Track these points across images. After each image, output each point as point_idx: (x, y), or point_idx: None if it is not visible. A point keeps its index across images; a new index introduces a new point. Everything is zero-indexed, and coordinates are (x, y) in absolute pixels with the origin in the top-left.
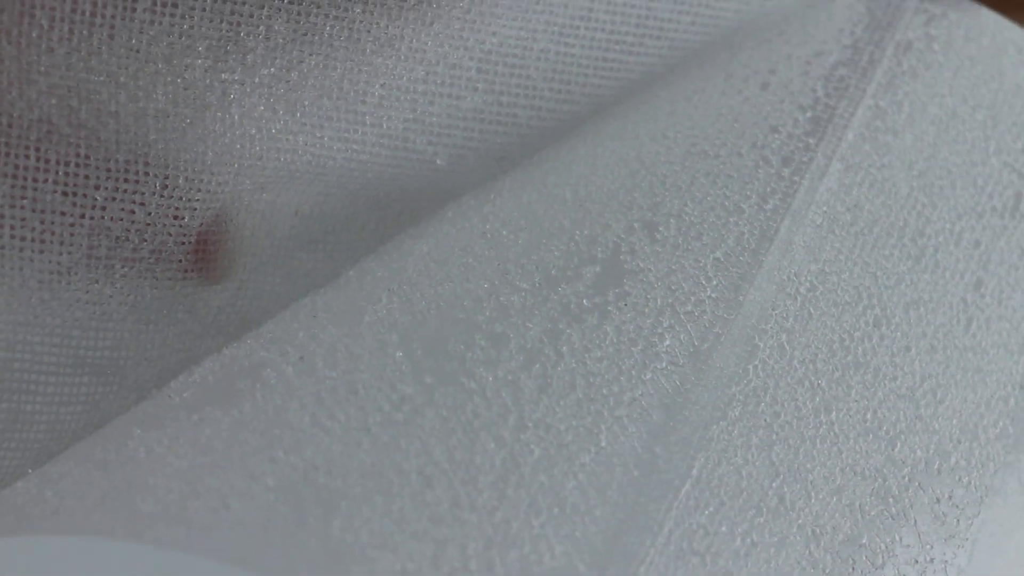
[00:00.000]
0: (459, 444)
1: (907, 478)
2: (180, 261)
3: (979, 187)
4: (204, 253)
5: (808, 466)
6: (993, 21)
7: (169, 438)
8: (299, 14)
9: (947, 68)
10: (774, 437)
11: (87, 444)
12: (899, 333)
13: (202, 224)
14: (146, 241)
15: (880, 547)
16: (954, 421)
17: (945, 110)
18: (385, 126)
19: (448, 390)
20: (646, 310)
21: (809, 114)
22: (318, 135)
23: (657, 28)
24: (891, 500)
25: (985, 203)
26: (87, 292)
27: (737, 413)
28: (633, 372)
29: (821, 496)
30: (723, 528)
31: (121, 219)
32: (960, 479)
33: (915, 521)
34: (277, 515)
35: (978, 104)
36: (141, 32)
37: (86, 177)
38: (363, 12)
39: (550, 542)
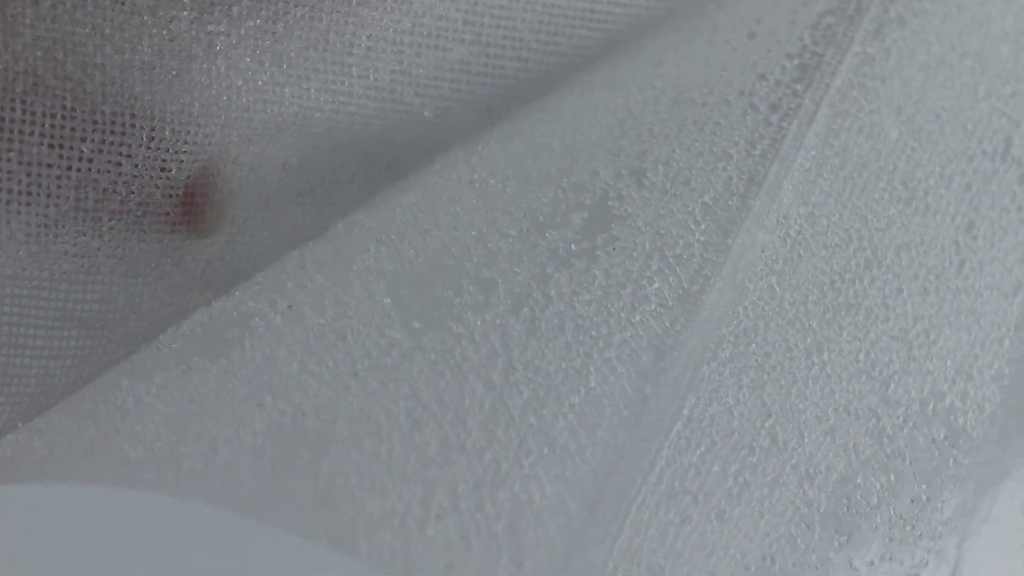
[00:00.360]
0: (448, 387)
1: (901, 418)
2: (168, 214)
3: (969, 131)
4: (192, 206)
5: (800, 406)
6: None
7: (158, 387)
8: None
9: (934, 15)
10: (765, 378)
11: (76, 396)
12: (890, 275)
13: (189, 176)
14: (133, 193)
15: (875, 487)
16: (948, 362)
17: (933, 56)
18: (372, 78)
19: (436, 335)
20: (634, 254)
21: (796, 61)
22: (304, 87)
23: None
24: (885, 440)
25: (975, 147)
26: (75, 245)
27: (728, 354)
28: (622, 315)
29: (814, 436)
30: (715, 468)
31: (108, 171)
32: (956, 419)
33: (910, 461)
34: (265, 459)
35: (966, 51)
36: None
37: (72, 129)
38: None
39: (540, 482)
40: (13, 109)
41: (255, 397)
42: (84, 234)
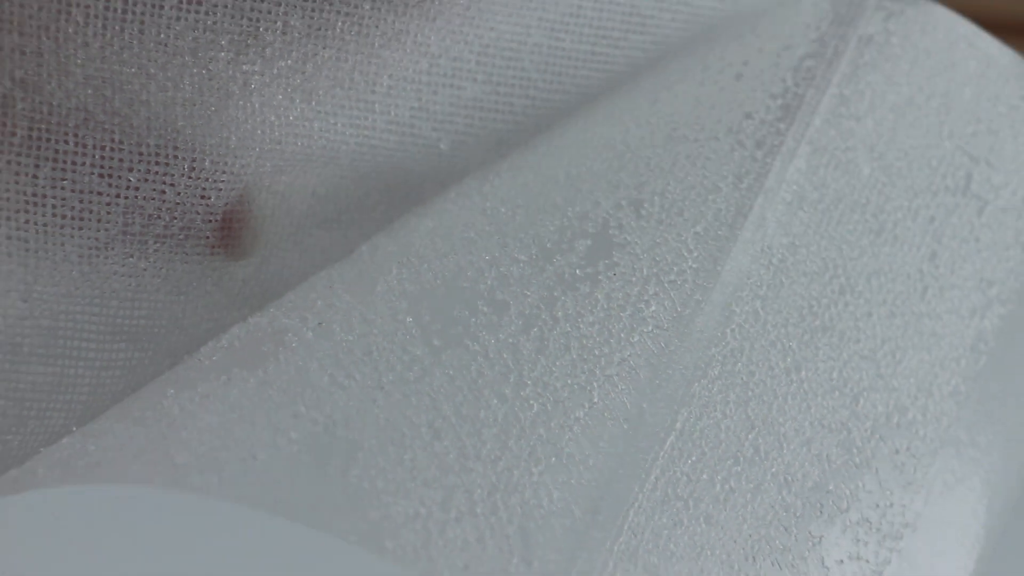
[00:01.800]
0: (465, 400)
1: (869, 431)
2: (207, 237)
3: (933, 168)
4: (229, 230)
5: (780, 420)
6: (946, 17)
7: (200, 396)
8: (313, 11)
9: (904, 60)
10: (749, 394)
11: (126, 404)
12: (862, 300)
13: (227, 204)
14: (176, 219)
15: (845, 493)
16: (911, 380)
17: (903, 98)
18: (393, 114)
19: (454, 352)
20: (633, 279)
21: (780, 102)
22: (332, 122)
23: (640, 24)
24: (855, 451)
25: (939, 182)
26: (123, 266)
27: (716, 372)
28: (622, 335)
29: (792, 447)
30: (704, 476)
31: (153, 199)
32: (917, 432)
33: (876, 470)
34: (300, 465)
35: (932, 92)
36: (168, 27)
37: (120, 160)
38: (372, 9)
39: (548, 488)
40: (66, 142)
41: (290, 407)
42: (131, 256)
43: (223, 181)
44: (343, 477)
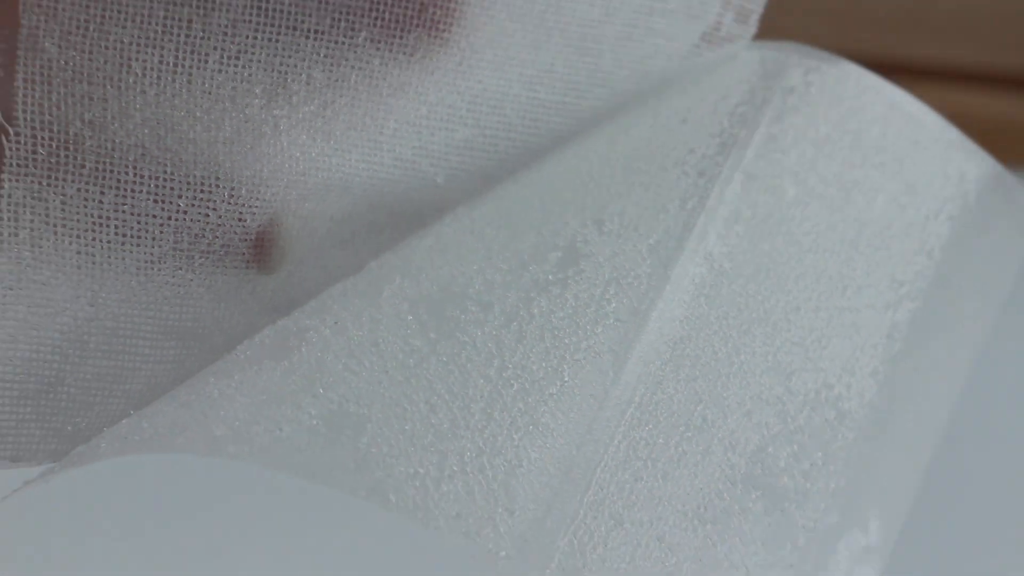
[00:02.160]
0: (456, 381)
1: (801, 403)
2: (243, 254)
3: (848, 190)
4: (261, 248)
5: (724, 394)
6: (855, 71)
7: (236, 383)
8: (332, 65)
9: (821, 104)
10: (696, 373)
11: (174, 391)
12: (791, 297)
13: (260, 226)
14: (217, 238)
15: (782, 454)
16: (836, 362)
17: (821, 135)
18: (398, 152)
19: (447, 343)
20: (596, 282)
21: (718, 140)
22: (347, 158)
23: (602, 79)
24: (789, 419)
25: (853, 202)
26: (173, 277)
27: (667, 356)
28: (588, 327)
29: (735, 417)
30: (660, 440)
31: (198, 220)
32: (842, 405)
33: (808, 435)
34: (318, 435)
35: (845, 130)
36: (211, 79)
37: (171, 189)
38: (380, 64)
39: (527, 451)
40: (126, 173)
41: (310, 389)
42: (180, 269)
43: (256, 207)
44: (354, 445)
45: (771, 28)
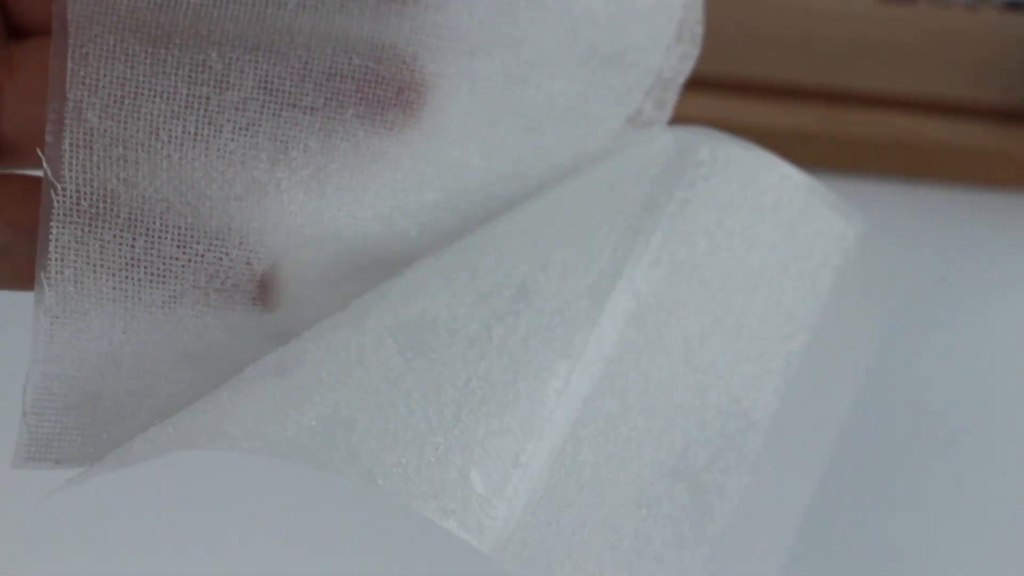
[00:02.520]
0: (430, 391)
1: (716, 414)
2: (250, 293)
3: (751, 242)
4: (265, 288)
5: (652, 405)
6: (755, 149)
7: (246, 395)
8: (325, 137)
9: (725, 175)
10: (628, 386)
11: (193, 404)
12: (704, 328)
13: (264, 269)
14: (229, 279)
15: (701, 454)
16: (744, 381)
17: (726, 199)
18: (378, 209)
19: (422, 361)
20: (543, 313)
21: (641, 202)
22: (336, 214)
23: (546, 154)
24: (706, 427)
25: (755, 252)
26: (192, 310)
27: (604, 372)
28: (537, 348)
29: (661, 423)
30: (601, 439)
31: (213, 263)
32: (750, 416)
33: (723, 440)
34: (317, 434)
35: (746, 195)
36: (225, 146)
37: (192, 236)
38: (365, 136)
39: (491, 446)
40: (154, 222)
41: (309, 399)
42: (198, 303)
43: (262, 253)
44: (347, 441)
45: (726, 59)
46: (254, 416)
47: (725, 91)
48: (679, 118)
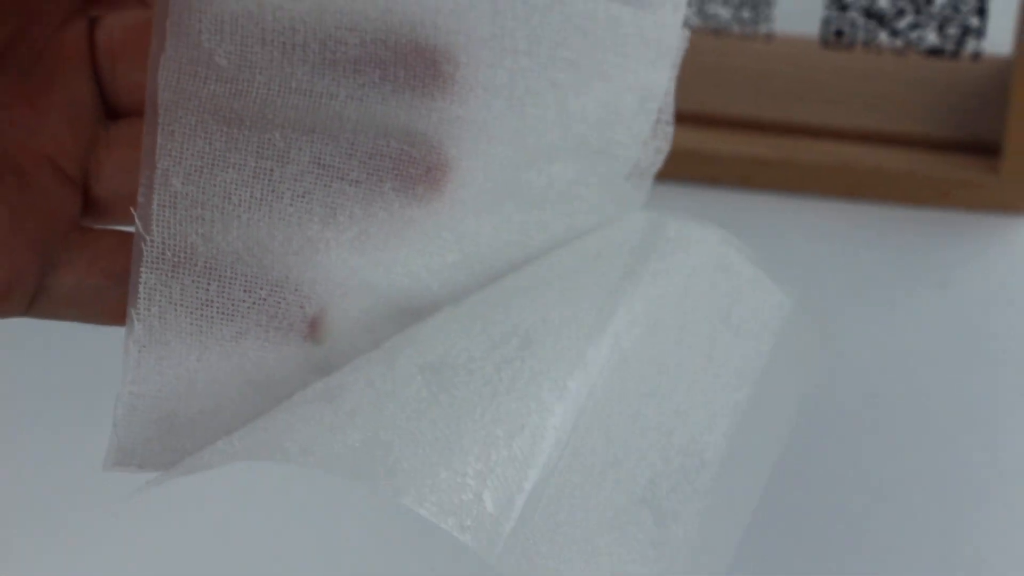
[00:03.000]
0: (452, 421)
1: (677, 452)
2: (302, 331)
3: (709, 306)
4: (314, 328)
5: (628, 440)
6: (712, 227)
7: (299, 417)
8: (366, 204)
9: (689, 249)
10: (610, 424)
11: (253, 423)
12: (670, 378)
13: (314, 312)
14: (285, 319)
15: (664, 486)
16: (700, 425)
17: (689, 269)
18: (408, 267)
19: (445, 396)
20: (543, 359)
21: (621, 270)
22: (374, 271)
23: (545, 226)
24: (669, 462)
25: (712, 316)
26: (254, 344)
27: (591, 410)
28: (540, 388)
29: (634, 458)
30: (587, 466)
31: (273, 306)
32: (704, 455)
33: (682, 475)
34: (360, 452)
35: (707, 266)
36: (284, 210)
37: (256, 283)
38: (399, 205)
39: (501, 468)
40: (225, 271)
41: (352, 423)
42: (259, 339)
43: (312, 299)
44: (384, 460)
45: (696, 97)
46: (307, 436)
47: (696, 124)
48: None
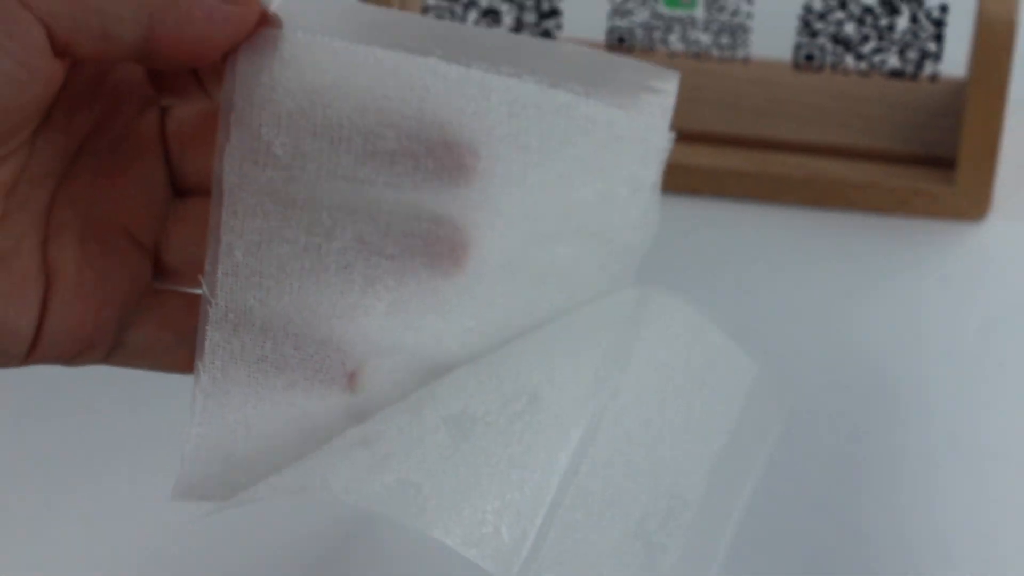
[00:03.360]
0: (472, 467)
1: (663, 494)
2: (342, 384)
3: (689, 373)
4: (353, 380)
5: (623, 484)
6: (685, 308)
7: (340, 458)
8: (400, 277)
9: (671, 320)
10: (610, 472)
11: (298, 463)
12: (657, 431)
13: (352, 366)
14: (328, 372)
15: (653, 524)
16: (684, 470)
17: (672, 337)
18: (432, 330)
19: (466, 445)
20: (551, 415)
21: (615, 340)
22: (404, 333)
23: (549, 301)
24: (656, 502)
25: (692, 379)
26: (302, 393)
27: (591, 460)
28: (547, 440)
29: (627, 499)
30: (589, 506)
31: (318, 361)
32: (684, 497)
33: (667, 513)
34: (395, 492)
35: (684, 336)
36: (331, 281)
37: (304, 342)
38: (427, 277)
39: (516, 508)
40: (280, 330)
41: (387, 466)
42: (305, 389)
43: (352, 356)
44: (415, 499)
45: (679, 115)
46: (349, 475)
47: (679, 139)
48: None
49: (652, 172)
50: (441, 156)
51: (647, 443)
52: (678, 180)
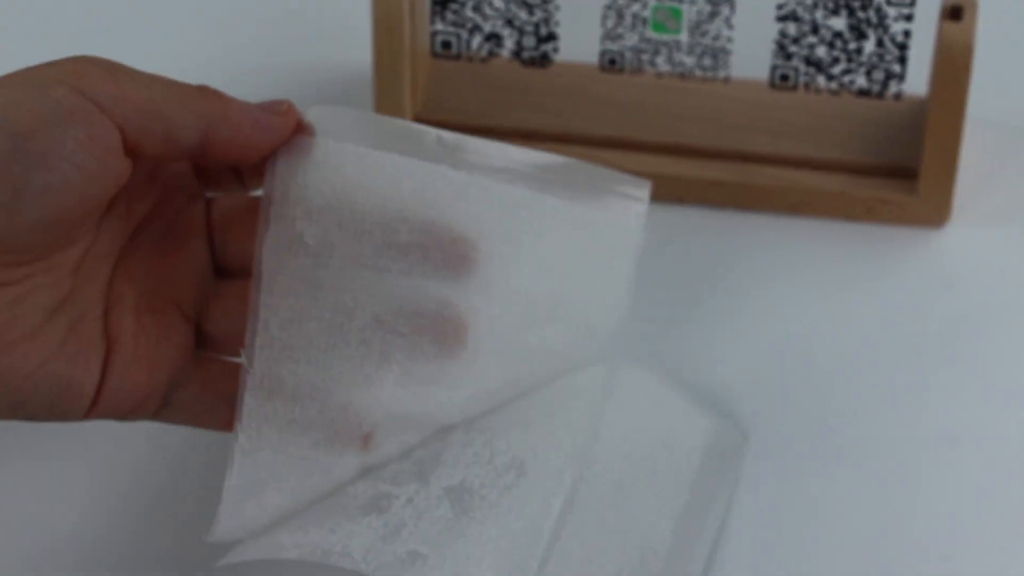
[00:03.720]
0: (470, 538)
1: (635, 546)
2: (357, 443)
3: (653, 436)
4: (366, 441)
5: (597, 541)
6: (655, 371)
7: (360, 524)
8: (410, 356)
9: (636, 390)
10: (586, 531)
11: (307, 524)
12: (628, 494)
13: (366, 430)
14: (347, 434)
15: (627, 571)
16: (650, 525)
17: (638, 409)
18: (436, 399)
19: (464, 518)
20: (535, 485)
21: (587, 411)
22: (413, 400)
23: (528, 375)
24: (628, 553)
25: (655, 441)
26: (324, 451)
27: (571, 524)
28: (532, 508)
29: (601, 555)
30: (572, 557)
31: (338, 423)
32: (653, 546)
33: (638, 562)
34: (404, 560)
35: (646, 406)
36: (350, 357)
37: (327, 406)
38: (434, 355)
39: (507, 559)
40: (306, 396)
41: (399, 535)
42: (327, 447)
43: (367, 420)
44: (420, 568)
45: (663, 129)
46: (366, 543)
47: (662, 152)
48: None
49: (627, 265)
50: (447, 249)
51: (618, 504)
52: (664, 190)
